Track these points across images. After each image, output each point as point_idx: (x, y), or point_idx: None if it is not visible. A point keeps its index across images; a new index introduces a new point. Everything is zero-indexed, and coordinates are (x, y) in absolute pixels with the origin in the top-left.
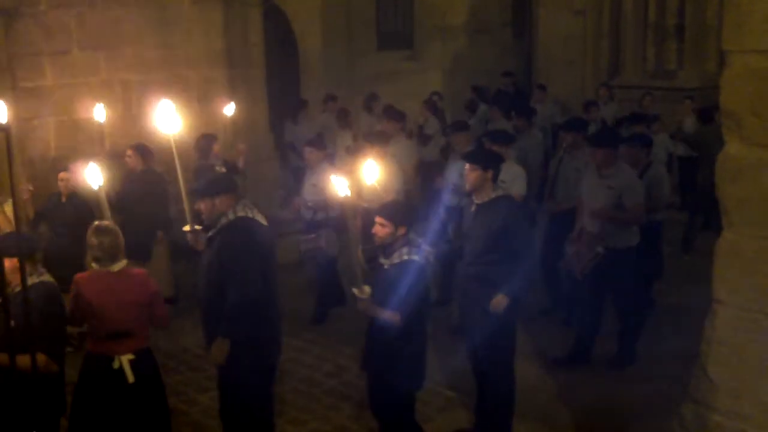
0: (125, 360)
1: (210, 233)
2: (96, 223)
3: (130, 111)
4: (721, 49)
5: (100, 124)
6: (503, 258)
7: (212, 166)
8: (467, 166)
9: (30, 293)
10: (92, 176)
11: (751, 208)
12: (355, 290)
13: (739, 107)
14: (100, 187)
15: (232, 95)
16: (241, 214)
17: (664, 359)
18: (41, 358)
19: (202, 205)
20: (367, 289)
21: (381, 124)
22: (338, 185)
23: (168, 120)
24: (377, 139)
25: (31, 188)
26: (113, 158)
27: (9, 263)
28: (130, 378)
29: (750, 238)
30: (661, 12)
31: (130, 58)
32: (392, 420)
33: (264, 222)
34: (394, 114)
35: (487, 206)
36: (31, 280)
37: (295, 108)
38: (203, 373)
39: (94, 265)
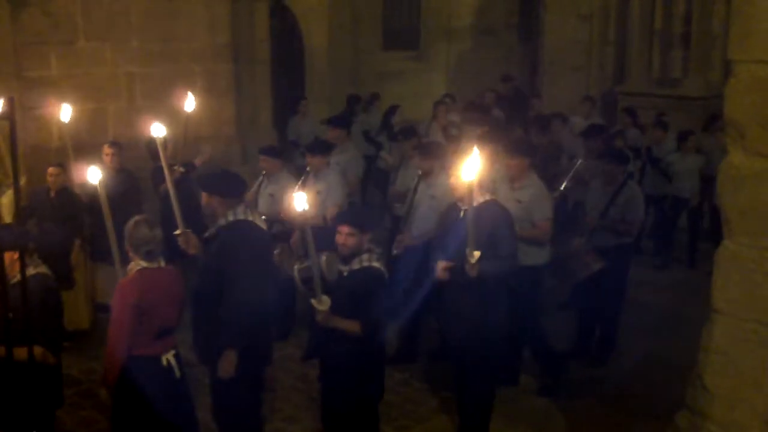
0: (171, 356)
1: (206, 234)
2: (138, 217)
3: (135, 103)
4: (727, 59)
5: (64, 124)
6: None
7: (170, 166)
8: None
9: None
10: (91, 173)
11: (753, 218)
12: (313, 301)
13: (743, 117)
14: (99, 182)
15: (236, 90)
16: (241, 217)
17: (661, 367)
18: (38, 350)
19: (203, 197)
20: (325, 299)
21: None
22: (297, 200)
23: (156, 122)
24: (319, 149)
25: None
26: (83, 156)
27: (6, 255)
28: (178, 372)
29: (750, 248)
30: (668, 20)
31: (135, 50)
32: None
33: (263, 226)
34: (340, 121)
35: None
36: (28, 272)
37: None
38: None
39: (142, 262)
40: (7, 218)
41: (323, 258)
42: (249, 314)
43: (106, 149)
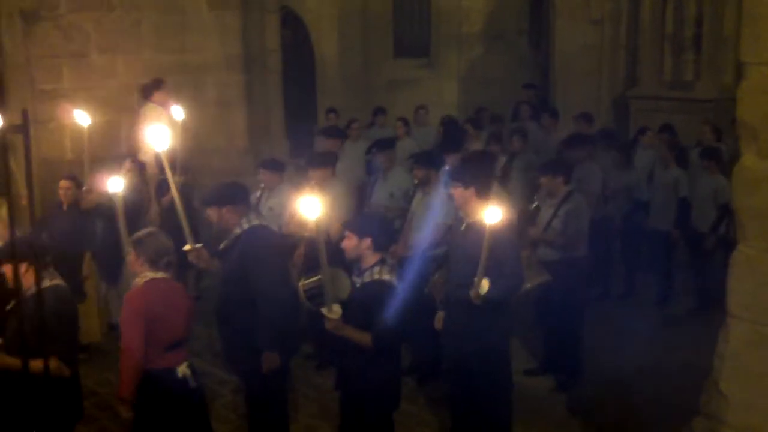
0: (185, 367)
1: (222, 245)
2: (150, 228)
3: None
4: (739, 61)
5: (80, 132)
6: (491, 280)
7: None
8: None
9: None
10: (112, 183)
11: (767, 221)
12: (323, 310)
13: (755, 119)
14: (116, 194)
15: (248, 101)
16: (255, 222)
17: (673, 373)
18: (54, 362)
19: (211, 213)
20: (336, 308)
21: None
22: (308, 207)
23: (158, 136)
24: (321, 161)
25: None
26: (96, 168)
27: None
28: (193, 383)
29: (764, 252)
30: (679, 23)
31: (147, 62)
32: None
33: (276, 230)
34: (335, 131)
35: (479, 224)
36: (44, 284)
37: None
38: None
39: (149, 273)
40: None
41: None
42: (281, 314)
43: (128, 164)
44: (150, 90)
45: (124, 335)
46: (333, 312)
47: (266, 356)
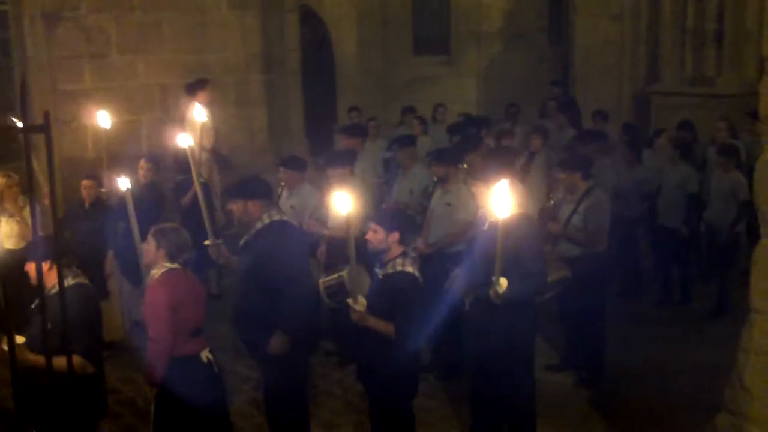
0: (208, 353)
1: (244, 240)
2: (169, 224)
3: (168, 114)
4: (761, 56)
5: (100, 133)
6: (513, 278)
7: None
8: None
9: (66, 295)
10: (121, 182)
11: None
12: (349, 300)
13: None
14: (127, 189)
15: (268, 100)
16: (276, 218)
17: (696, 369)
18: (76, 359)
19: (234, 207)
20: (361, 299)
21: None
22: (340, 202)
23: (182, 133)
24: (339, 160)
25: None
26: (118, 167)
27: (45, 266)
28: (216, 368)
29: None
30: (700, 18)
31: (168, 62)
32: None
33: (296, 225)
34: (355, 130)
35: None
36: (67, 282)
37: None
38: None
39: (168, 264)
40: (7, 243)
41: (344, 271)
42: (302, 307)
43: (143, 163)
44: (195, 89)
45: (151, 325)
46: (359, 303)
47: (276, 335)
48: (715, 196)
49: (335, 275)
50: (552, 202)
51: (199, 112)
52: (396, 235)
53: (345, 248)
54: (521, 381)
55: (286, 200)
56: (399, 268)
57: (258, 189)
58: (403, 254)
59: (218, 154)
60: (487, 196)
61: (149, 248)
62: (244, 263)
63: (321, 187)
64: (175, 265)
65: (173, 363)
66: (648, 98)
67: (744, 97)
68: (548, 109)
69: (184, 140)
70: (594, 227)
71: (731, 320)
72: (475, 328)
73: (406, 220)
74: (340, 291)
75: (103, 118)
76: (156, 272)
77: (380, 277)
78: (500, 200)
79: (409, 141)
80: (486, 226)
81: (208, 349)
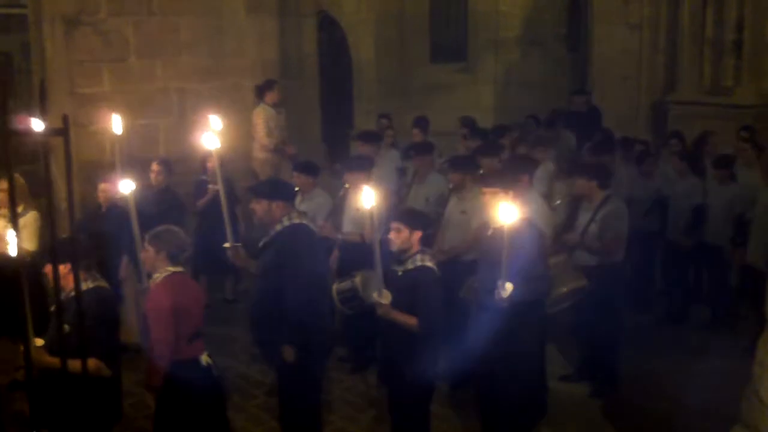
0: (207, 357)
1: (263, 241)
2: (165, 226)
3: (185, 119)
4: None
5: (115, 136)
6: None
7: (207, 183)
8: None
9: (83, 298)
10: (125, 184)
11: None
12: (374, 295)
13: None
14: (131, 192)
15: (285, 105)
16: (296, 221)
17: (710, 381)
18: (93, 362)
19: (257, 207)
20: (386, 293)
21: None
22: (367, 196)
23: (210, 135)
24: (357, 165)
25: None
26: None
27: (63, 269)
28: (215, 371)
29: None
30: (719, 27)
31: (185, 66)
32: (411, 426)
33: (315, 230)
34: (371, 136)
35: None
36: (86, 286)
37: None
38: (247, 380)
39: (170, 267)
40: (27, 241)
41: (357, 278)
42: (309, 312)
43: (155, 166)
44: (263, 91)
45: (154, 329)
46: (384, 297)
47: (284, 349)
48: (712, 210)
49: (348, 281)
50: (557, 203)
51: (215, 122)
52: (419, 234)
53: (358, 253)
54: (524, 387)
55: (299, 205)
56: (419, 263)
57: (283, 190)
58: (422, 250)
59: (287, 154)
60: (494, 203)
61: (148, 255)
62: (261, 264)
63: (334, 193)
64: (178, 268)
65: (173, 366)
66: (665, 107)
67: (763, 108)
68: (556, 122)
69: (209, 142)
70: (611, 236)
71: (745, 330)
72: (482, 335)
73: (428, 219)
74: (352, 297)
75: (116, 123)
76: (158, 276)
77: (399, 273)
78: (506, 207)
79: (426, 148)
80: (490, 232)
81: (206, 353)
